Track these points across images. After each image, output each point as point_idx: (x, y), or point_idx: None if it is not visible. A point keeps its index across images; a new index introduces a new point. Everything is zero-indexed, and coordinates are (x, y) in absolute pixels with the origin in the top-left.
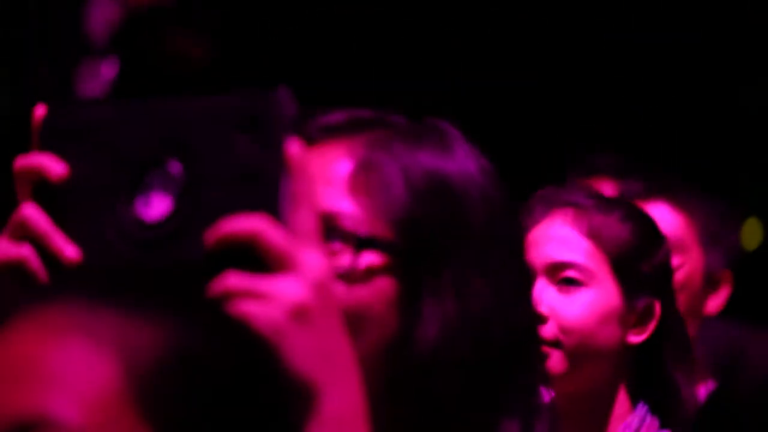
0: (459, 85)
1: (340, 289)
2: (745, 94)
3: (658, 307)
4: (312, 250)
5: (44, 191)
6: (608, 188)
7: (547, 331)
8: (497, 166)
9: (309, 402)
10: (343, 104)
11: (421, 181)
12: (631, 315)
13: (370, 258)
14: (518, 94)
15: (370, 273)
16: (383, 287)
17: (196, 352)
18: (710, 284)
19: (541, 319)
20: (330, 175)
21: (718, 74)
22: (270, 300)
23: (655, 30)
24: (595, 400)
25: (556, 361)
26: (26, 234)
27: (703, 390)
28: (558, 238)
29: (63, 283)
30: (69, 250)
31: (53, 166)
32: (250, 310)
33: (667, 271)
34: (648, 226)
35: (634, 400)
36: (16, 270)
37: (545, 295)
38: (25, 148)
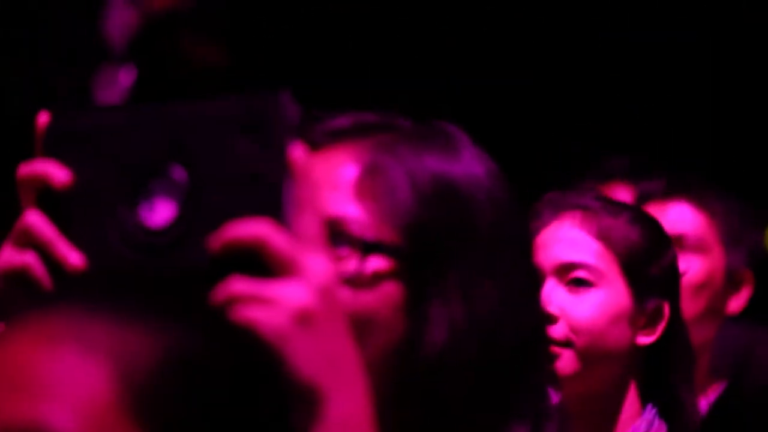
0: (454, 85)
1: (347, 294)
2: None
3: (667, 309)
4: (316, 254)
5: (48, 198)
6: (624, 192)
7: (558, 331)
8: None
9: (314, 407)
10: (348, 105)
11: (427, 184)
12: (640, 316)
13: (376, 263)
14: (515, 93)
15: (376, 278)
16: (390, 292)
17: (195, 358)
18: (731, 284)
19: (552, 320)
20: (336, 180)
21: (719, 74)
22: (274, 305)
23: (654, 29)
24: (604, 402)
25: (566, 362)
26: (30, 241)
27: (717, 391)
28: (567, 239)
29: (66, 290)
30: (73, 257)
31: (57, 172)
32: (255, 315)
33: (675, 273)
34: (656, 229)
35: (644, 403)
36: (20, 277)
37: (555, 296)
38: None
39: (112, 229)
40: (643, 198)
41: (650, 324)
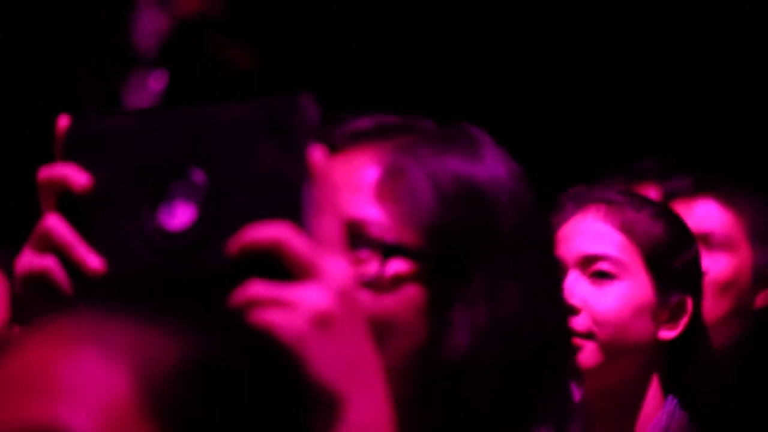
0: (461, 86)
1: (368, 298)
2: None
3: (690, 304)
4: (336, 257)
5: (68, 201)
6: (652, 192)
7: (580, 323)
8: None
9: (333, 410)
10: (362, 106)
11: (449, 186)
12: (663, 310)
13: (397, 265)
14: (517, 94)
15: (397, 281)
16: (411, 295)
17: (213, 361)
18: (759, 282)
19: (574, 311)
20: (357, 182)
21: (724, 75)
22: (293, 308)
23: (658, 30)
24: (626, 395)
25: (589, 354)
26: (50, 245)
27: None
28: (590, 231)
29: (85, 293)
30: (93, 261)
31: (77, 176)
32: (273, 318)
33: (698, 269)
34: (679, 224)
35: (665, 394)
36: (40, 281)
37: (578, 288)
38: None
39: (132, 231)
40: (670, 195)
41: (673, 318)
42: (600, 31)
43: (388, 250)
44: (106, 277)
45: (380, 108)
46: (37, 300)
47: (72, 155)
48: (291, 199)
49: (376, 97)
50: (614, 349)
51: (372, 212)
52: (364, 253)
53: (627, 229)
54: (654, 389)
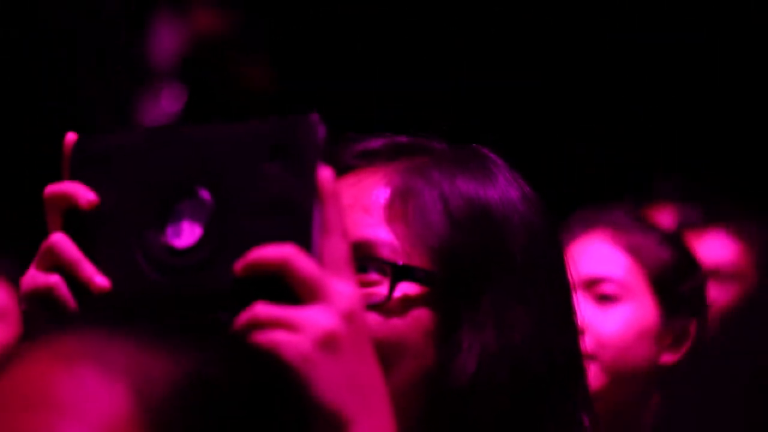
0: (462, 86)
1: (376, 319)
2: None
3: (693, 329)
4: (342, 280)
5: (74, 219)
6: (667, 215)
7: (583, 344)
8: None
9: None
10: (377, 110)
11: (460, 208)
12: (667, 334)
13: (407, 288)
14: (518, 94)
15: (407, 303)
16: (420, 317)
17: (214, 380)
18: None
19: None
20: (367, 203)
21: (727, 75)
22: (299, 330)
23: (661, 30)
24: (629, 417)
25: (592, 376)
26: (55, 263)
27: None
28: (595, 253)
29: (90, 311)
30: (98, 279)
31: (83, 193)
32: (279, 339)
33: (704, 294)
34: (685, 249)
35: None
36: (45, 298)
37: (581, 309)
38: None
39: (138, 250)
40: (681, 227)
41: (676, 343)
42: (603, 31)
43: (397, 273)
44: (112, 294)
45: (387, 111)
46: (41, 317)
47: (79, 173)
48: (298, 221)
49: (382, 99)
50: (616, 371)
51: (382, 234)
52: (374, 275)
53: (634, 252)
54: (655, 411)
